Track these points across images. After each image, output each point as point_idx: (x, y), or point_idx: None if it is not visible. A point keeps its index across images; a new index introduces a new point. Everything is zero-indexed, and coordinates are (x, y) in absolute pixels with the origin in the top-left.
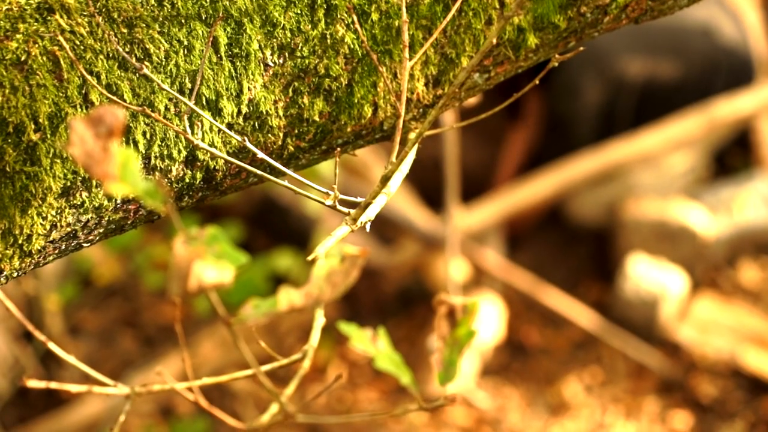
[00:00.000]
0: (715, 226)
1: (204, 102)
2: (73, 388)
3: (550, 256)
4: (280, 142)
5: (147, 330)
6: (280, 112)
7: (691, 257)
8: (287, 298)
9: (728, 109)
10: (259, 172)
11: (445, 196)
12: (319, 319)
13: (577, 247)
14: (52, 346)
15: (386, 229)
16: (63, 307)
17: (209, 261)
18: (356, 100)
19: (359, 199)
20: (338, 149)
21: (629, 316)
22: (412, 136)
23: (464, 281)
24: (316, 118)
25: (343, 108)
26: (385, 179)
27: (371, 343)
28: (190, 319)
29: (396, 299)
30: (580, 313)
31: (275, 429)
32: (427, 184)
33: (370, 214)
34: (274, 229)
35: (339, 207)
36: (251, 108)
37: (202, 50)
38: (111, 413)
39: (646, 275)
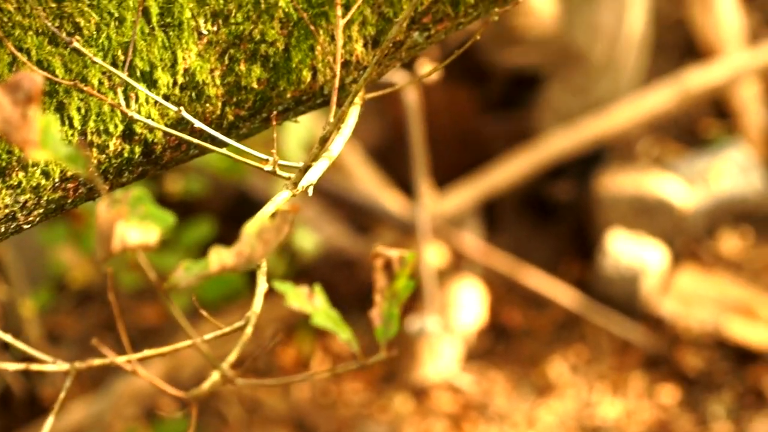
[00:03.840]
0: (693, 197)
1: (138, 74)
2: (11, 366)
3: (528, 237)
4: (219, 112)
5: (128, 334)
6: (217, 81)
7: (670, 230)
8: (218, 258)
9: (701, 78)
10: (198, 141)
11: (414, 179)
12: (262, 285)
13: (555, 227)
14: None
15: (361, 217)
16: (39, 313)
17: (133, 222)
18: (294, 65)
19: (300, 164)
20: (274, 113)
21: (611, 293)
22: (356, 100)
23: (443, 266)
24: (255, 85)
25: (282, 74)
26: (323, 140)
27: (308, 301)
28: (169, 320)
29: None
30: (561, 293)
31: (267, 428)
32: (404, 170)
33: (311, 177)
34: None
35: (279, 172)
36: (187, 78)
37: (134, 21)
38: (94, 420)
39: (626, 251)
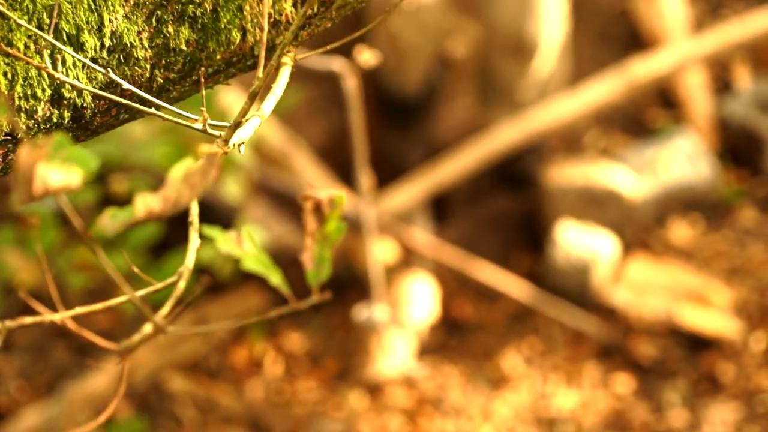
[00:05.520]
0: (642, 186)
1: (65, 37)
2: None
3: (478, 230)
4: (148, 74)
5: (80, 339)
6: (146, 43)
7: (620, 220)
8: (144, 203)
9: (646, 68)
10: (128, 102)
11: (356, 172)
12: (194, 241)
13: (505, 219)
14: None
15: None
16: None
17: (55, 165)
18: (223, 26)
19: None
20: (202, 70)
21: (562, 284)
22: (285, 59)
23: (394, 262)
24: (183, 47)
25: (210, 35)
26: (253, 95)
27: (237, 245)
28: (122, 324)
29: (327, 287)
30: (513, 285)
31: (222, 429)
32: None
33: (243, 135)
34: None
35: (209, 130)
36: (114, 41)
37: None
38: (48, 426)
39: (576, 241)
